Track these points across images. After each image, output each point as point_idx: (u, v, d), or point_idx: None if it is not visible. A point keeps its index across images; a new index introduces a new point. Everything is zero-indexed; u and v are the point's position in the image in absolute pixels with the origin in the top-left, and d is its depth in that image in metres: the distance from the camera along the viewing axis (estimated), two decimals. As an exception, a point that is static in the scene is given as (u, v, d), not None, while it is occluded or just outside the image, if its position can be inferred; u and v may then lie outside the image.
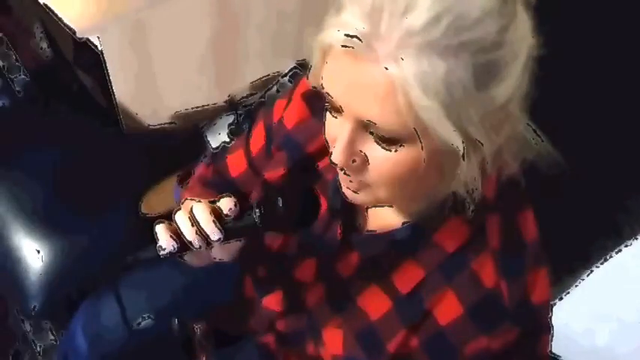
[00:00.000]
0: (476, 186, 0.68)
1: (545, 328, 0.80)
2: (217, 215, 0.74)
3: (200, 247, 0.74)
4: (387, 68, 0.59)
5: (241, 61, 1.60)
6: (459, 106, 0.60)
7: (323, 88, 0.65)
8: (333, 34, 0.62)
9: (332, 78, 0.64)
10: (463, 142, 0.62)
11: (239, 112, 1.62)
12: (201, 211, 0.73)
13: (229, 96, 1.63)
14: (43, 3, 1.42)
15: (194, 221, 0.73)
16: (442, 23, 0.58)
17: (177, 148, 1.58)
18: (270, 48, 1.58)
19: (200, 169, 1.07)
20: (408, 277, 0.77)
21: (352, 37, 0.60)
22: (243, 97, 1.64)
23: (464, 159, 0.64)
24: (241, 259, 0.86)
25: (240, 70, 1.61)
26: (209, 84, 1.59)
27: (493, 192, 0.75)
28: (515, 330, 0.74)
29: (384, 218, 0.80)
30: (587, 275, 1.41)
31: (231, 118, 1.61)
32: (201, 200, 0.75)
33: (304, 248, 0.88)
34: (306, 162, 0.83)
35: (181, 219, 0.74)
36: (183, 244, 0.75)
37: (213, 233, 0.73)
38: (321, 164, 0.84)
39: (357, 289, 0.81)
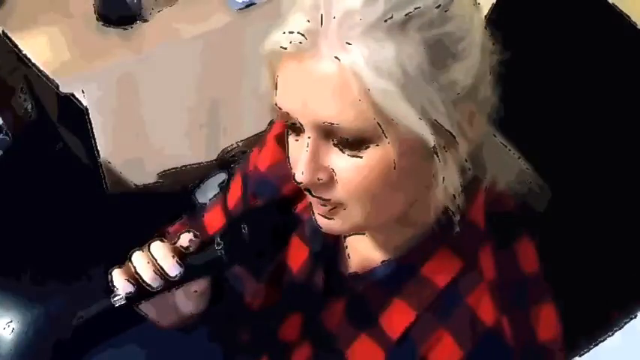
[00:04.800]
0: (457, 191, 0.65)
1: None
2: (178, 253, 0.70)
3: (158, 287, 0.69)
4: (336, 58, 0.58)
5: (233, 117, 1.57)
6: (418, 88, 0.59)
7: (279, 107, 0.64)
8: (275, 38, 0.61)
9: (284, 90, 0.63)
10: (433, 135, 0.60)
11: (231, 170, 1.56)
12: (159, 247, 0.70)
13: (220, 154, 1.60)
14: (26, 56, 1.39)
15: (151, 259, 0.69)
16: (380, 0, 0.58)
17: (164, 209, 1.50)
18: (264, 103, 1.53)
19: (174, 229, 1.02)
20: (397, 320, 0.71)
21: (293, 33, 0.59)
22: (234, 155, 1.61)
23: (437, 154, 0.61)
24: (223, 325, 0.83)
25: (232, 126, 1.58)
26: (199, 141, 1.57)
27: (483, 217, 0.71)
28: None
29: (366, 257, 0.76)
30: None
31: (222, 177, 1.57)
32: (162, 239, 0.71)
33: (287, 302, 0.83)
34: (283, 205, 0.79)
35: (137, 257, 0.70)
36: (142, 290, 0.69)
37: (171, 268, 0.68)
38: (298, 207, 0.80)
39: (346, 341, 0.75)
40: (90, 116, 1.40)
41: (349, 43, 0.58)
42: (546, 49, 1.02)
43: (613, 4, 0.96)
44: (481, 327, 0.68)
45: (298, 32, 0.59)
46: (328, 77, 0.59)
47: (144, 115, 1.47)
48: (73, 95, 1.37)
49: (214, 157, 1.60)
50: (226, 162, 1.59)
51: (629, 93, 0.97)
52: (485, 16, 0.99)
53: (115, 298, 0.69)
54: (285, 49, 0.60)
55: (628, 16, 0.96)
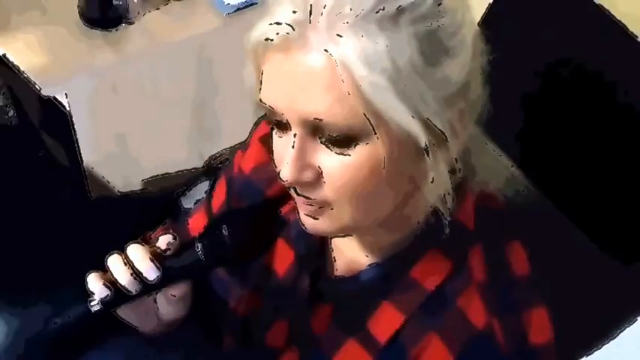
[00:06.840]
0: (447, 191, 0.63)
1: None
2: (157, 256, 0.68)
3: (136, 291, 0.67)
4: (325, 50, 0.56)
5: (220, 123, 1.54)
6: (410, 83, 0.57)
7: (263, 103, 0.62)
8: (261, 29, 0.59)
9: (270, 85, 0.61)
10: (424, 132, 0.59)
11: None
12: (136, 249, 0.68)
13: (207, 160, 1.58)
14: (7, 58, 1.36)
15: (128, 261, 0.67)
16: None
17: (150, 217, 1.48)
18: (251, 109, 1.51)
19: (156, 234, 0.98)
20: (385, 324, 0.70)
21: (280, 24, 0.57)
22: (221, 162, 1.58)
23: (428, 154, 0.60)
24: (207, 331, 0.81)
25: (219, 132, 1.56)
26: (185, 147, 1.54)
27: (472, 218, 0.70)
28: None
29: (353, 260, 0.74)
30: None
31: (208, 184, 1.53)
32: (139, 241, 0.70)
33: (273, 307, 0.81)
34: (267, 207, 0.78)
35: (114, 261, 0.68)
36: (120, 295, 0.68)
37: (149, 271, 0.67)
38: (284, 209, 0.78)
39: (333, 347, 0.73)
40: (73, 120, 1.36)
41: (340, 36, 0.56)
42: (543, 51, 1.01)
43: (600, 4, 0.95)
44: (471, 329, 0.66)
45: (286, 23, 0.57)
46: (317, 70, 0.57)
47: (128, 120, 1.44)
48: (55, 99, 1.34)
49: (201, 164, 1.58)
50: (213, 169, 1.56)
51: (625, 95, 0.96)
52: (478, 22, 0.98)
53: (92, 304, 0.67)
54: (272, 40, 0.58)
55: (620, 20, 0.96)
